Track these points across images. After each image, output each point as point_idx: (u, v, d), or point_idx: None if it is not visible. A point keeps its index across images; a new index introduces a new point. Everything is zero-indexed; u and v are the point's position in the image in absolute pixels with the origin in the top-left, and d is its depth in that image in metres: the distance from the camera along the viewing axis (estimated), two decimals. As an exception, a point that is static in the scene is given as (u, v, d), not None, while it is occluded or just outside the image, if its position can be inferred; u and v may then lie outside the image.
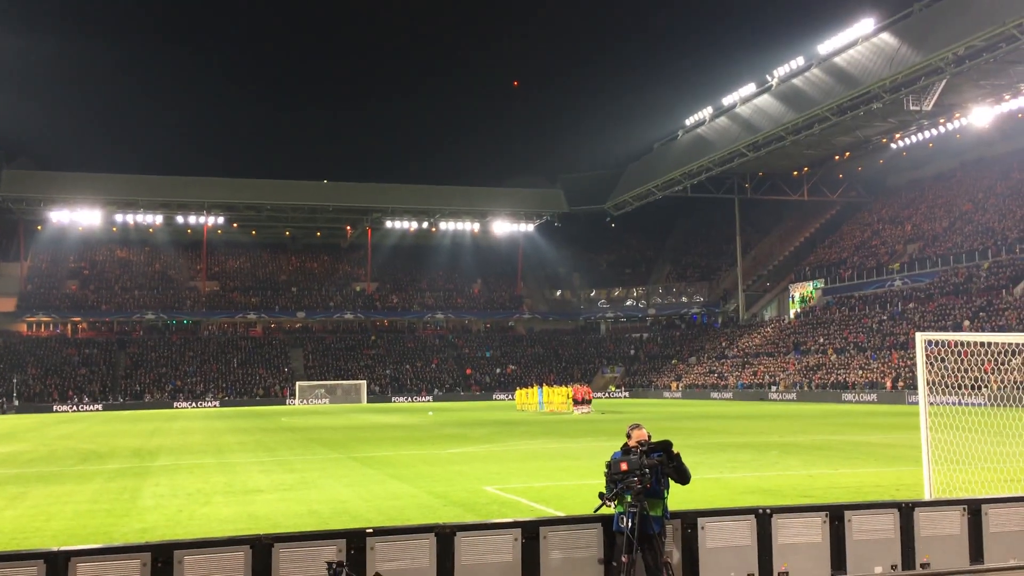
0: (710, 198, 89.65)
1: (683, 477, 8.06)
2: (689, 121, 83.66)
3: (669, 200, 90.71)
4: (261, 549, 7.35)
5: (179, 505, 15.94)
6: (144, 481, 19.78)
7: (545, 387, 58.80)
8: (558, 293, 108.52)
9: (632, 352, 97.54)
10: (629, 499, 7.71)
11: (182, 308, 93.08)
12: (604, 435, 31.41)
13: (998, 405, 15.80)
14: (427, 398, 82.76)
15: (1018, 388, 20.31)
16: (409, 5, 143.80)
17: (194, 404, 76.62)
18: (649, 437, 8.12)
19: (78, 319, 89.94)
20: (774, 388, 68.42)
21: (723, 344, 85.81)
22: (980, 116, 66.06)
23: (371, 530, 7.75)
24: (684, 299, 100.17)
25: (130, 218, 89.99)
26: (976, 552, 9.17)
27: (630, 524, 7.66)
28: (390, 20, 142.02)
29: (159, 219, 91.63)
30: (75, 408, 73.44)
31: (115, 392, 79.23)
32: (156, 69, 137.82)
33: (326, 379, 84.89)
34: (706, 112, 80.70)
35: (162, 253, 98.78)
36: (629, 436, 8.16)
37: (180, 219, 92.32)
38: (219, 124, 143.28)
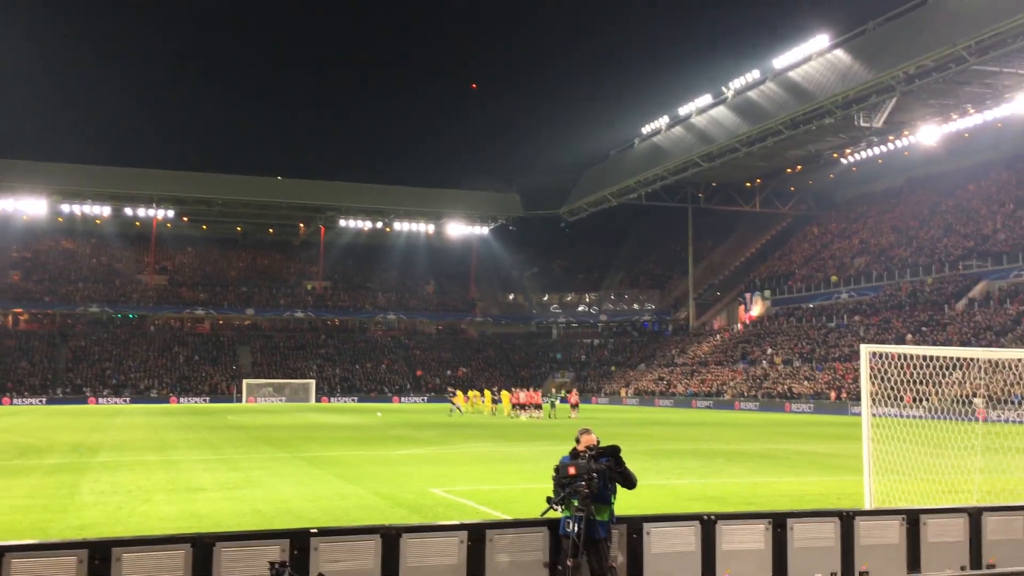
0: (664, 207, 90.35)
1: (629, 482, 8.09)
2: (646, 130, 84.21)
3: (624, 207, 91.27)
4: (202, 548, 7.23)
5: (119, 502, 15.64)
6: (83, 477, 19.39)
7: (488, 391, 58.46)
8: (511, 297, 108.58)
9: (583, 358, 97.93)
10: (576, 503, 7.72)
11: (128, 302, 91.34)
12: (553, 439, 31.46)
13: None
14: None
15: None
16: (368, 4, 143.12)
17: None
18: (598, 442, 8.14)
19: (19, 310, 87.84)
20: (722, 396, 69.13)
21: (673, 352, 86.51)
22: (928, 134, 67.39)
23: (315, 530, 7.67)
24: (636, 306, 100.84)
25: (77, 209, 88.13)
26: (914, 561, 9.34)
27: (576, 528, 7.67)
28: (348, 18, 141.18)
29: (107, 211, 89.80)
30: (14, 402, 71.82)
31: (56, 386, 77.54)
32: (107, 57, 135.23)
33: (275, 378, 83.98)
34: (662, 121, 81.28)
35: (109, 245, 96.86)
36: (578, 441, 8.18)
37: (128, 211, 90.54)
38: (171, 116, 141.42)
